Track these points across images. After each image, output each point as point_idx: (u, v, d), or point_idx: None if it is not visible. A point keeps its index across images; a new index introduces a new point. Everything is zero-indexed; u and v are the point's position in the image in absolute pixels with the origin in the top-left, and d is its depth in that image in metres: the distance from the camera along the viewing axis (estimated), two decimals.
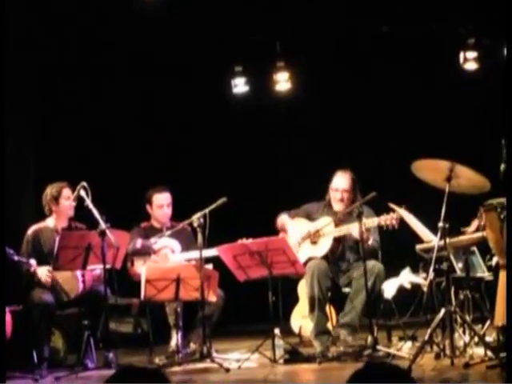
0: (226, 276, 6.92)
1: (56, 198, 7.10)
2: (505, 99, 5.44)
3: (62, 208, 7.12)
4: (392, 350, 6.54)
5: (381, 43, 9.41)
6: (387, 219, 6.60)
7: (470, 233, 6.40)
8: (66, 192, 7.11)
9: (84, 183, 6.88)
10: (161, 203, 7.57)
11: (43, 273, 6.81)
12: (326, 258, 6.96)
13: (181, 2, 8.69)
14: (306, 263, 6.91)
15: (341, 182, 7.09)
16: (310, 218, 7.19)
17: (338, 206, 7.10)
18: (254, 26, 9.12)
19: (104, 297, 6.64)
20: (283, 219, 7.25)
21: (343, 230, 6.89)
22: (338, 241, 6.99)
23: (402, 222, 6.63)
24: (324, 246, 6.98)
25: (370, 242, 6.79)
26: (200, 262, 6.72)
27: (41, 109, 9.01)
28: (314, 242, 7.05)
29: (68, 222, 7.21)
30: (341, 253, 7.04)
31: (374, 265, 6.69)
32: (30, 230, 7.14)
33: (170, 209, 7.58)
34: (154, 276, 6.67)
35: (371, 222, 6.70)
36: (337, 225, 6.98)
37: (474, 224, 6.35)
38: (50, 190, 7.15)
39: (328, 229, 6.97)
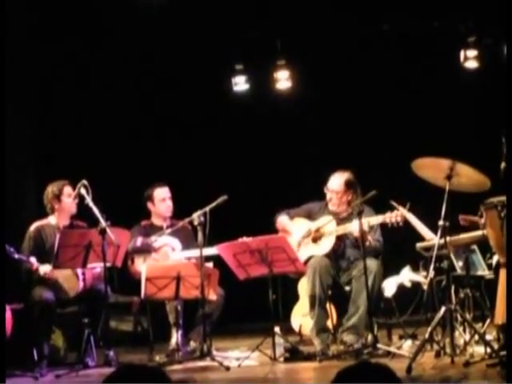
0: (226, 274, 6.92)
1: (58, 196, 7.11)
2: (505, 98, 5.44)
3: (65, 206, 7.13)
4: (392, 349, 6.54)
5: (381, 41, 9.39)
6: (392, 216, 6.60)
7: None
8: (68, 190, 7.11)
9: (84, 181, 6.88)
10: (163, 196, 7.61)
11: (46, 270, 6.81)
12: (327, 255, 6.96)
13: (181, 0, 8.68)
14: (307, 262, 6.91)
15: (332, 183, 7.08)
16: (311, 217, 7.18)
17: (330, 206, 7.11)
18: (254, 23, 9.12)
19: (104, 295, 6.65)
20: (283, 222, 7.23)
21: (345, 227, 6.89)
22: (339, 238, 6.98)
23: (404, 220, 6.64)
24: (326, 244, 6.97)
25: (372, 242, 6.77)
26: (200, 260, 6.72)
27: (40, 107, 9.00)
28: (315, 241, 7.04)
29: (70, 220, 7.22)
30: (342, 251, 7.04)
31: (370, 264, 6.59)
32: (33, 227, 7.13)
33: (171, 202, 7.62)
34: (154, 274, 6.68)
35: (375, 219, 6.70)
36: (338, 224, 6.98)
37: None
38: (51, 189, 7.15)
39: (329, 227, 6.96)
